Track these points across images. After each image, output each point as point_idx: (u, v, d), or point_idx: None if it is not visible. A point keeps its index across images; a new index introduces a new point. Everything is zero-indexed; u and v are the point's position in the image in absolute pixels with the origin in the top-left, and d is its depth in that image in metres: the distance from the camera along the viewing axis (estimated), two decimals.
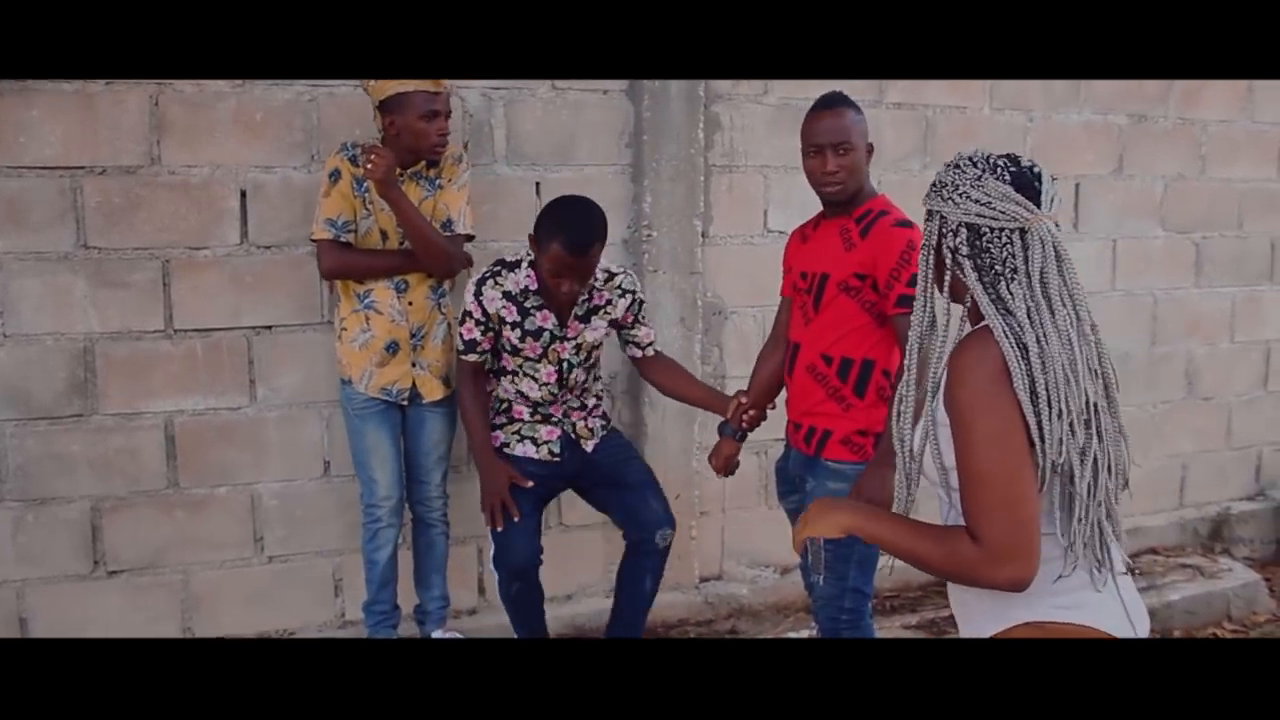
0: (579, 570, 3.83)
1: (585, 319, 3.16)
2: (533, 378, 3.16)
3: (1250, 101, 4.84)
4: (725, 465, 3.14)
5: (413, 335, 3.27)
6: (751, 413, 3.03)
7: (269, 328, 3.44)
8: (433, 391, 3.34)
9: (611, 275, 3.19)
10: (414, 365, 3.30)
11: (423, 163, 3.23)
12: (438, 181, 3.27)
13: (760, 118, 3.97)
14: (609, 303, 3.18)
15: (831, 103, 2.79)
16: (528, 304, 3.09)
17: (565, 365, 3.16)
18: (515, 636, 3.33)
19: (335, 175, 3.17)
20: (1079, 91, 4.49)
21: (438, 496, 3.43)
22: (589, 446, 3.27)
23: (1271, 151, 4.93)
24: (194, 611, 3.48)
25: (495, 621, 3.63)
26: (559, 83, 3.67)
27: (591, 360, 3.23)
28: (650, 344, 3.29)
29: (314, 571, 3.61)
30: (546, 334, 3.11)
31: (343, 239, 3.20)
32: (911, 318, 1.78)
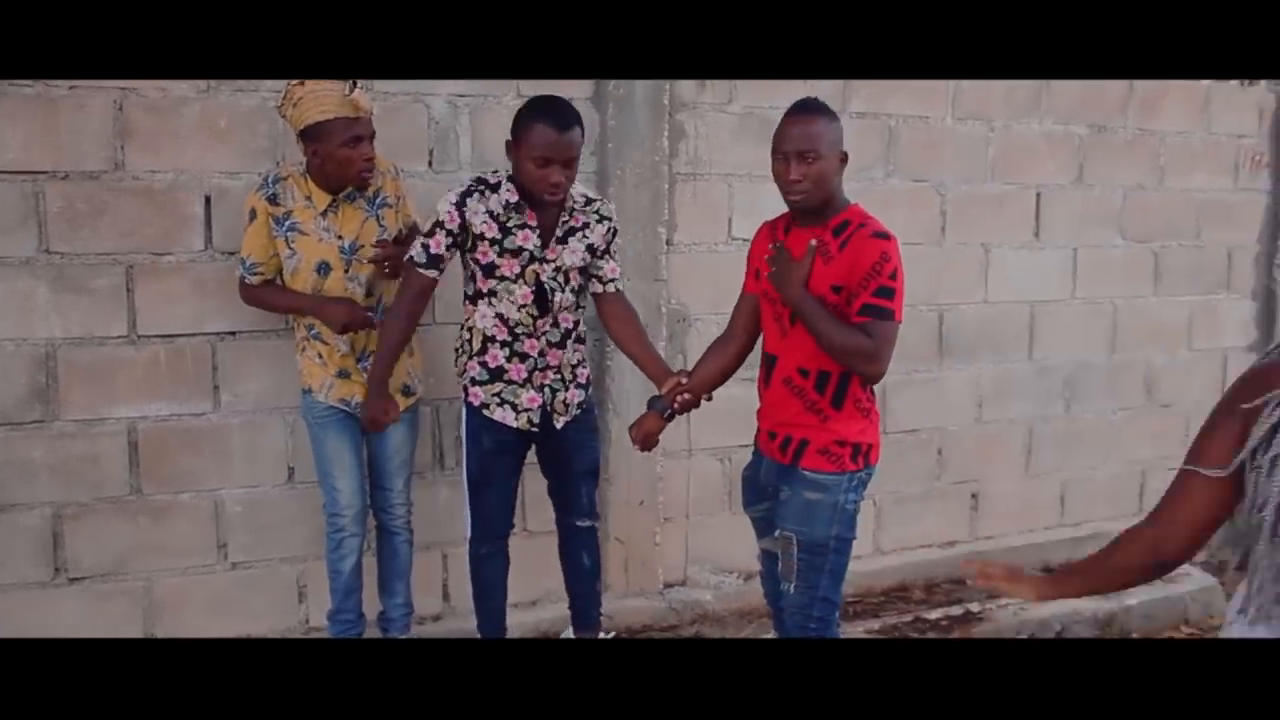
0: (543, 576, 3.82)
1: (564, 240, 3.12)
2: (509, 299, 3.10)
3: (1207, 113, 4.92)
4: (644, 440, 3.07)
5: (359, 359, 3.22)
6: (687, 396, 2.98)
7: (233, 334, 3.43)
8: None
9: (590, 200, 3.20)
10: None
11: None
12: (383, 199, 3.21)
13: (725, 126, 4.00)
14: (586, 226, 3.16)
15: (803, 109, 2.74)
16: (509, 223, 3.05)
17: (544, 289, 3.10)
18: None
19: (252, 215, 3.13)
20: (1040, 101, 4.55)
21: (401, 504, 3.41)
22: (559, 424, 3.24)
23: (1228, 162, 5.02)
24: (156, 619, 3.46)
25: (460, 627, 3.63)
26: (524, 89, 3.68)
27: (572, 285, 3.16)
28: (613, 280, 3.25)
29: (278, 578, 3.60)
30: (526, 254, 3.07)
31: (249, 280, 3.19)
32: None
